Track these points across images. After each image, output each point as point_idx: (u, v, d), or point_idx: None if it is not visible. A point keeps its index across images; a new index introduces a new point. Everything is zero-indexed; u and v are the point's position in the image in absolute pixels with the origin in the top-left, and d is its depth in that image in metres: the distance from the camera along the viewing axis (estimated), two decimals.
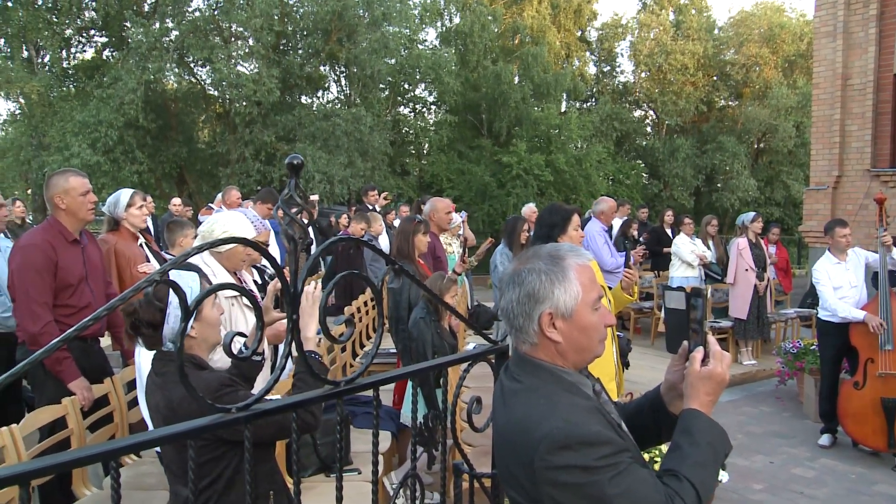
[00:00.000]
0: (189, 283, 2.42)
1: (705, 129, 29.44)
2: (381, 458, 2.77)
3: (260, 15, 18.51)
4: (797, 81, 28.46)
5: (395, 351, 5.61)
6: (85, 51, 22.50)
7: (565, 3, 29.30)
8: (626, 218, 11.19)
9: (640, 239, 11.35)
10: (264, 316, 2.49)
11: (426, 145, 26.09)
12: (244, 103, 19.17)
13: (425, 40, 25.39)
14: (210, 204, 10.87)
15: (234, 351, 1.59)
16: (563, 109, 28.41)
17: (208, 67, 19.93)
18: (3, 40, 19.39)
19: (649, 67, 29.02)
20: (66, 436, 3.63)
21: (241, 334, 1.61)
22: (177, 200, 11.76)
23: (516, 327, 1.70)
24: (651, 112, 31.18)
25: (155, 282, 1.37)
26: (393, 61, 22.27)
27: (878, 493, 5.54)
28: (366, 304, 8.10)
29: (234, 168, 20.00)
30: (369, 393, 1.91)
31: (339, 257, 9.31)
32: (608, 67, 31.64)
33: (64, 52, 21.09)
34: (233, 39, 20.30)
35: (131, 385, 4.24)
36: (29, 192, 21.03)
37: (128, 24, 19.60)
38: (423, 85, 25.36)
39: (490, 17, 25.51)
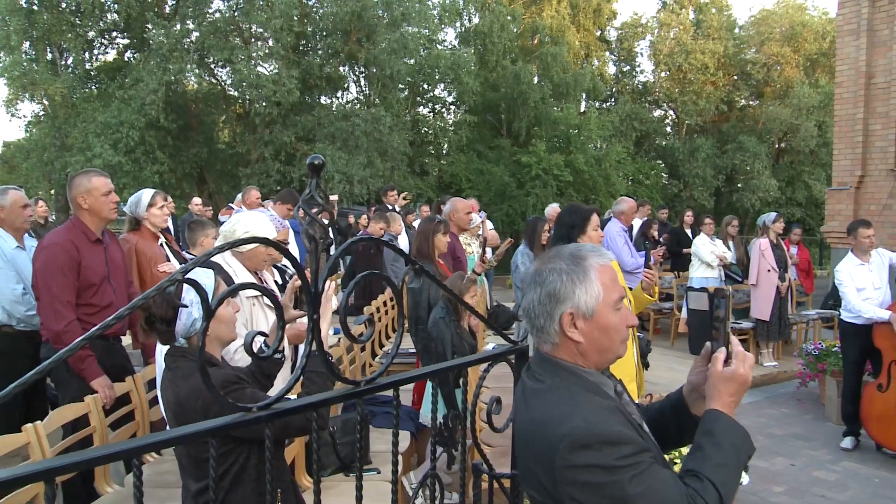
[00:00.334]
0: (204, 280, 2.44)
1: (726, 129, 29.27)
2: (400, 457, 2.77)
3: (280, 16, 18.60)
4: (819, 80, 28.23)
5: (414, 351, 5.62)
6: (107, 52, 22.77)
7: (584, 3, 29.24)
8: (646, 218, 11.13)
9: (661, 239, 11.30)
10: (285, 313, 2.51)
11: (445, 145, 26.11)
12: (264, 104, 19.27)
13: (444, 40, 25.45)
14: (230, 204, 10.94)
15: (255, 349, 1.59)
16: (582, 109, 28.34)
17: (228, 68, 20.08)
18: (28, 43, 19.60)
19: (669, 67, 28.89)
20: (88, 433, 3.66)
21: (262, 333, 1.62)
22: (197, 200, 11.82)
23: (538, 327, 1.70)
24: (671, 112, 31.03)
25: (177, 281, 1.38)
26: (412, 61, 22.31)
27: None
28: (385, 303, 8.11)
29: (254, 168, 20.11)
30: (389, 393, 1.92)
31: (359, 257, 9.33)
32: (628, 67, 31.54)
33: (87, 54, 21.33)
34: (253, 40, 20.42)
35: (152, 383, 4.27)
36: (52, 192, 21.25)
37: (149, 26, 19.77)
38: (442, 85, 25.39)
39: (509, 17, 25.51)
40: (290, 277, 4.06)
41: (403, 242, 9.28)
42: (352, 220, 11.96)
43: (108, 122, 18.14)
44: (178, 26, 19.63)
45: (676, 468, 1.69)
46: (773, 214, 9.35)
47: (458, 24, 26.97)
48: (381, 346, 7.67)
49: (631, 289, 4.22)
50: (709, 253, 9.69)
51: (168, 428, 2.68)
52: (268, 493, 1.65)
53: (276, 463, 2.49)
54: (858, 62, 11.47)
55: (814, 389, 7.91)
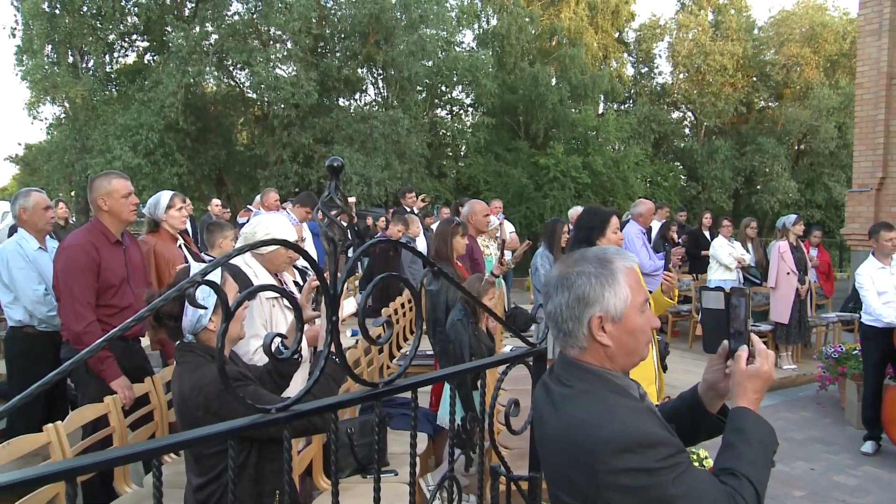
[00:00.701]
0: (210, 277, 2.45)
1: (744, 131, 29.10)
2: (417, 459, 2.77)
3: (298, 18, 18.67)
4: (839, 81, 27.99)
5: (432, 353, 5.62)
6: (127, 55, 22.96)
7: (603, 5, 29.16)
8: (664, 220, 11.09)
9: (679, 241, 11.25)
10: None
11: (463, 147, 26.10)
12: (282, 106, 19.36)
13: (462, 42, 25.46)
14: (248, 206, 10.99)
15: (273, 350, 1.59)
16: (600, 111, 28.26)
17: (247, 70, 20.18)
18: (50, 47, 19.80)
19: (688, 68, 28.76)
20: (107, 433, 3.68)
21: (282, 335, 1.62)
22: (216, 202, 11.89)
23: (565, 331, 1.69)
24: (689, 113, 30.89)
25: (196, 283, 1.39)
26: (430, 63, 22.31)
27: None
28: (403, 305, 8.11)
29: (273, 170, 20.19)
30: (406, 395, 1.92)
31: (376, 259, 9.34)
32: (646, 69, 31.42)
33: (107, 57, 21.51)
34: (271, 43, 20.50)
35: (171, 384, 4.30)
36: (72, 193, 21.44)
37: (169, 29, 19.91)
38: (460, 87, 25.37)
39: (527, 19, 25.47)
40: (309, 278, 4.08)
41: (421, 244, 9.29)
42: (370, 221, 11.98)
43: (128, 125, 18.28)
44: (198, 29, 19.74)
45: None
46: (793, 217, 9.28)
47: (475, 26, 26.96)
48: (399, 347, 7.67)
49: (650, 291, 4.21)
50: (727, 255, 9.64)
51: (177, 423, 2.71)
52: (286, 494, 1.65)
53: (275, 463, 2.51)
54: (880, 63, 11.37)
55: (834, 393, 7.85)
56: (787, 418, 7.42)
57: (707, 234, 11.53)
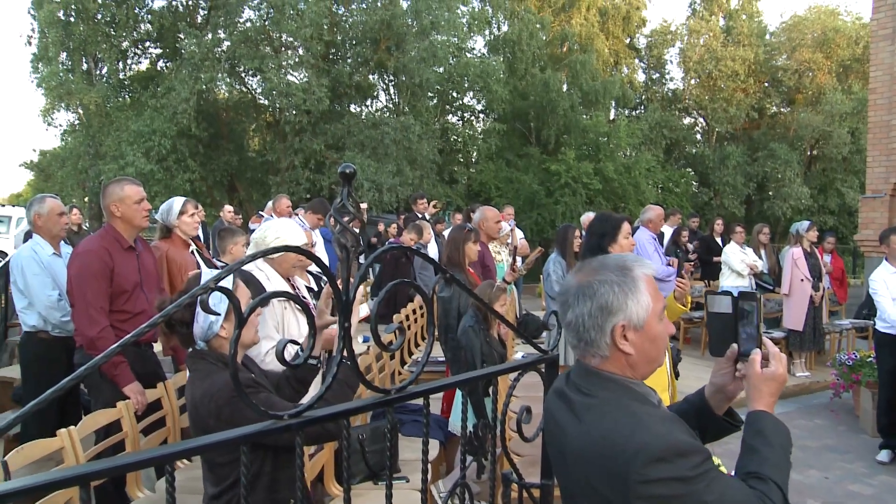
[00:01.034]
0: (225, 283, 2.45)
1: (756, 137, 29.01)
2: (429, 466, 2.77)
3: (310, 25, 18.75)
4: (852, 86, 27.88)
5: (443, 359, 5.61)
6: (140, 62, 23.13)
7: (614, 11, 29.16)
8: (676, 226, 11.07)
9: (692, 247, 11.22)
10: (318, 319, 2.52)
11: (474, 153, 26.14)
12: (294, 112, 19.43)
13: (473, 49, 25.49)
14: (260, 212, 11.02)
15: (288, 357, 1.60)
16: (611, 117, 28.24)
17: (259, 77, 20.28)
18: (65, 54, 19.96)
19: (699, 74, 28.70)
20: (120, 439, 3.69)
21: (294, 342, 1.63)
22: (229, 208, 11.94)
23: (586, 340, 1.68)
24: (701, 119, 30.81)
25: (209, 289, 1.39)
26: (441, 70, 22.36)
27: None
28: (414, 312, 8.11)
29: (284, 176, 20.26)
30: (418, 401, 1.92)
31: (386, 266, 9.34)
32: (657, 74, 31.38)
33: (120, 64, 21.69)
34: (283, 49, 20.60)
35: (183, 390, 4.30)
36: (86, 199, 21.57)
37: (181, 36, 20.05)
38: (471, 93, 25.41)
39: (538, 25, 25.48)
40: (325, 284, 4.09)
41: (433, 251, 9.29)
42: (381, 227, 12.00)
43: (141, 131, 18.40)
44: (210, 36, 19.86)
45: None
46: (807, 223, 9.24)
47: (487, 32, 27.00)
48: (410, 354, 7.67)
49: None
50: (739, 261, 9.60)
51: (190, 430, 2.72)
52: (300, 502, 1.65)
53: (289, 471, 2.50)
54: (893, 67, 11.31)
55: (848, 400, 7.79)
56: (801, 426, 7.37)
57: (719, 240, 11.50)
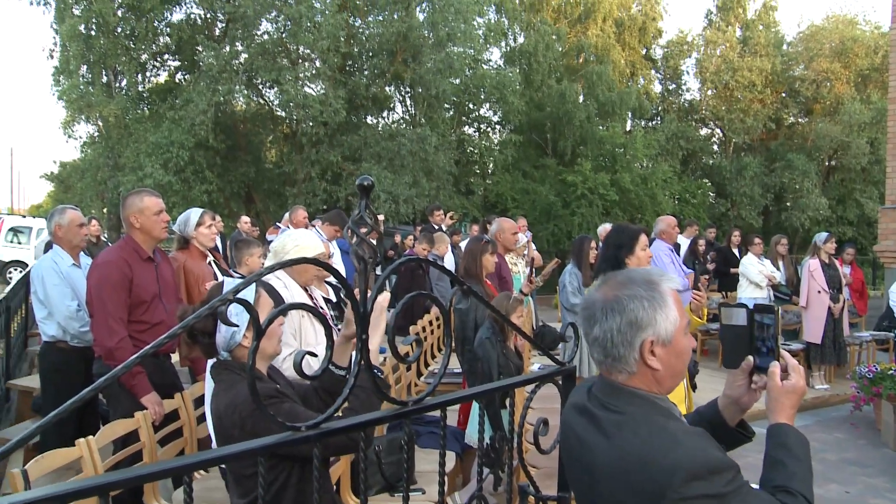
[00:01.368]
0: (245, 294, 2.45)
1: (774, 147, 28.87)
2: (445, 478, 2.76)
3: (327, 37, 18.87)
4: (871, 96, 27.71)
5: (460, 371, 5.61)
6: (159, 74, 23.36)
7: (630, 22, 29.16)
8: (692, 237, 11.02)
9: (709, 258, 11.16)
10: (346, 329, 2.52)
11: (491, 165, 26.17)
12: (311, 124, 19.54)
13: (490, 60, 25.58)
14: (277, 223, 11.06)
15: (304, 369, 1.60)
16: (628, 128, 28.21)
17: (276, 89, 20.41)
18: (85, 67, 20.19)
19: (715, 85, 28.61)
20: (137, 449, 3.71)
21: (312, 353, 1.63)
22: (245, 218, 11.99)
23: (614, 356, 1.67)
24: (718, 130, 30.71)
25: (228, 301, 1.40)
26: (457, 81, 22.43)
27: None
28: (431, 323, 8.11)
29: (301, 188, 20.35)
30: (435, 413, 1.91)
31: (401, 277, 9.34)
32: (673, 85, 31.31)
33: (140, 77, 21.91)
34: (300, 61, 20.74)
35: (200, 400, 4.32)
36: (105, 210, 21.76)
37: (200, 49, 20.25)
38: (487, 104, 25.47)
39: (554, 37, 25.53)
40: (343, 294, 4.10)
41: (449, 262, 9.28)
42: (398, 239, 12.02)
43: (159, 143, 18.56)
44: (228, 48, 20.03)
45: None
46: (824, 234, 9.18)
47: (503, 43, 27.07)
48: (427, 365, 7.66)
49: None
50: (757, 273, 9.55)
51: (213, 442, 2.71)
52: None
53: (320, 482, 2.50)
54: None
55: (868, 414, 7.70)
56: (821, 439, 7.29)
57: (736, 251, 11.44)
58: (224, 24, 21.23)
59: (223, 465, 2.96)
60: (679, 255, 9.76)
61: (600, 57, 26.88)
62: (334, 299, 4.12)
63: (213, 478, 4.19)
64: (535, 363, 7.39)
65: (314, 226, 8.49)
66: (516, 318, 4.72)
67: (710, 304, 10.75)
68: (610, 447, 1.62)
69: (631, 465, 1.56)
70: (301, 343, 3.54)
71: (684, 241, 10.71)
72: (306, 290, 3.75)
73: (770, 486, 1.66)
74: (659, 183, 24.40)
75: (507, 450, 2.30)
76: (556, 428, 1.97)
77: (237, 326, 2.41)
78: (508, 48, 27.22)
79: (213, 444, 2.70)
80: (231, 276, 5.41)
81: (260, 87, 21.69)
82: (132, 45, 20.75)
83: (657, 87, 31.64)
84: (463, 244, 9.26)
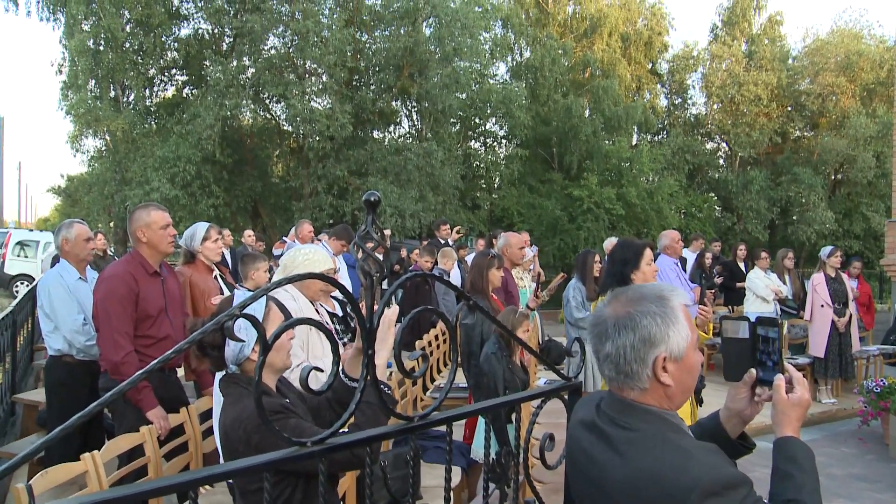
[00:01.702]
0: (255, 307, 2.46)
1: (780, 161, 28.85)
2: (451, 493, 2.75)
3: (333, 52, 18.96)
4: (877, 110, 27.67)
5: (466, 385, 5.59)
6: (166, 89, 23.49)
7: (636, 36, 29.23)
8: (699, 251, 11.00)
9: (715, 271, 11.14)
10: (359, 340, 2.51)
11: (497, 179, 26.20)
12: (317, 138, 19.60)
13: (496, 75, 25.63)
14: (284, 237, 11.08)
15: (311, 383, 1.60)
16: (634, 142, 28.22)
17: (283, 103, 20.51)
18: (93, 81, 20.31)
19: (721, 99, 28.63)
20: (143, 463, 3.70)
21: (318, 368, 1.63)
22: (249, 232, 12.02)
23: (626, 373, 1.66)
24: (723, 144, 30.70)
25: (235, 316, 1.40)
26: (464, 96, 22.49)
27: None
28: (437, 337, 8.10)
29: (307, 202, 20.40)
30: (441, 428, 1.91)
31: (407, 292, 9.34)
32: (679, 99, 31.33)
33: (147, 91, 22.03)
34: (307, 76, 20.82)
35: (206, 415, 4.32)
36: (111, 224, 21.83)
37: (207, 63, 20.38)
38: (493, 119, 25.53)
39: (560, 51, 25.59)
40: (349, 309, 4.11)
41: (455, 277, 9.28)
42: (404, 253, 12.03)
43: (166, 157, 18.64)
44: (235, 63, 20.15)
45: None
46: (829, 248, 9.17)
47: (509, 58, 27.17)
48: (433, 380, 7.65)
49: None
50: (763, 287, 9.53)
51: (220, 456, 2.71)
52: None
53: (327, 497, 2.49)
54: None
55: (876, 428, 7.65)
56: (828, 454, 7.24)
57: (742, 265, 11.42)
58: (231, 39, 21.36)
59: (230, 480, 2.95)
60: (685, 269, 9.75)
61: (606, 71, 26.94)
62: (340, 314, 4.12)
63: (220, 492, 4.19)
64: (542, 378, 7.38)
65: (320, 240, 8.51)
66: (522, 332, 4.71)
67: (716, 319, 10.71)
68: (622, 464, 1.61)
69: (645, 483, 1.56)
70: (308, 355, 3.55)
71: (690, 256, 10.70)
72: (313, 304, 3.77)
73: (780, 499, 1.66)
74: (665, 197, 24.38)
75: (513, 465, 2.30)
76: (563, 443, 1.96)
77: (244, 342, 2.41)
78: (514, 63, 27.31)
79: (221, 459, 2.70)
80: (237, 291, 5.43)
81: (267, 101, 21.79)
82: (140, 60, 20.90)
83: (663, 102, 31.66)
84: (469, 258, 9.26)
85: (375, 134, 23.39)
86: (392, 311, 2.46)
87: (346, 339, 4.05)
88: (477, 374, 4.91)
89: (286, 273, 3.68)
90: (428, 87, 20.74)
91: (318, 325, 1.59)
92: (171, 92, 23.56)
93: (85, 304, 4.80)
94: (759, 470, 1.66)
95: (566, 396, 2.29)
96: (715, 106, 29.58)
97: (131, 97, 21.23)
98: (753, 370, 1.86)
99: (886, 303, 17.84)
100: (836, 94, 28.16)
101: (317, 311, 3.80)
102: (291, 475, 2.36)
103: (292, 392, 2.69)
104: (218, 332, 2.40)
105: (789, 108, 29.40)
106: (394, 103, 23.50)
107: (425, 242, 11.84)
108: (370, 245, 1.60)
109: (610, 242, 10.14)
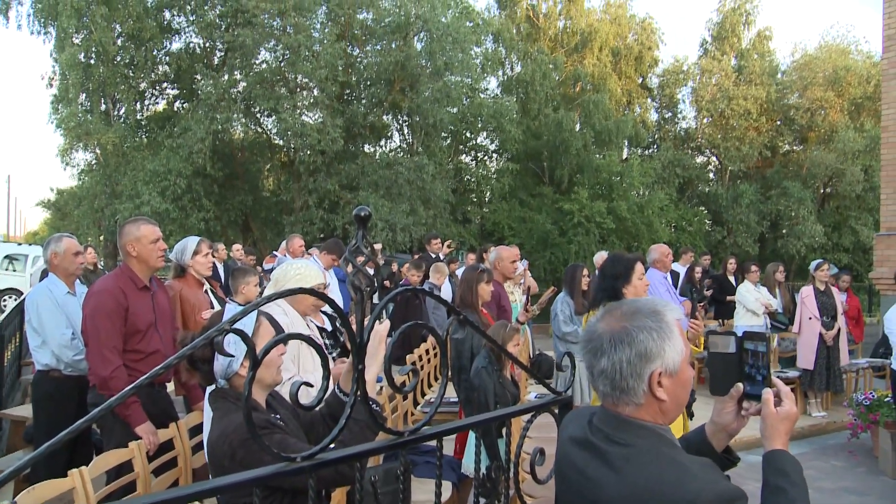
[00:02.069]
0: (245, 321, 2.45)
1: (769, 175, 28.99)
2: None
3: (325, 66, 18.99)
4: (864, 124, 27.86)
5: (456, 400, 5.59)
6: (157, 103, 23.47)
7: (626, 51, 29.36)
8: (689, 265, 11.03)
9: (705, 284, 11.17)
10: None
11: (488, 193, 26.21)
12: (308, 152, 19.60)
13: (487, 89, 25.72)
14: (274, 252, 11.06)
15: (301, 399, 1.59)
16: (624, 156, 28.30)
17: (274, 117, 20.50)
18: (84, 95, 20.27)
19: (711, 113, 28.77)
20: (131, 479, 3.68)
21: (308, 384, 1.62)
22: (237, 246, 11.99)
23: (622, 388, 1.66)
24: (713, 158, 30.83)
25: (225, 331, 1.40)
26: (455, 110, 22.54)
27: None
28: (427, 352, 8.09)
29: (298, 216, 20.38)
30: (432, 443, 1.90)
31: (397, 306, 9.33)
32: (669, 114, 31.47)
33: (138, 105, 22.03)
34: (298, 90, 20.83)
35: (195, 430, 4.30)
36: (101, 238, 21.75)
37: (198, 77, 20.37)
38: (484, 133, 25.56)
39: (551, 66, 25.67)
40: (338, 324, 4.11)
41: (446, 291, 9.28)
42: (395, 267, 12.03)
43: (157, 170, 18.59)
44: (226, 77, 20.15)
45: None
46: (816, 262, 9.23)
47: (500, 72, 27.25)
48: (423, 394, 7.63)
49: None
50: (754, 300, 9.56)
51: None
52: None
53: None
54: None
55: (866, 441, 7.67)
56: (818, 467, 7.25)
57: (732, 279, 11.46)
58: (223, 54, 21.37)
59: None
60: (677, 282, 9.77)
61: (597, 86, 27.03)
62: (329, 328, 4.12)
63: None
64: (532, 392, 7.37)
65: (311, 254, 8.50)
66: (512, 347, 4.71)
67: (706, 332, 10.72)
68: (619, 481, 1.60)
69: (644, 499, 1.56)
70: (300, 369, 3.55)
71: (681, 269, 10.73)
72: (304, 318, 3.77)
73: None
74: (655, 211, 24.44)
75: (504, 479, 2.29)
76: (553, 457, 1.96)
77: (233, 357, 2.41)
78: (505, 77, 27.39)
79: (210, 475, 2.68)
80: (228, 305, 5.42)
81: (258, 115, 21.79)
82: (131, 74, 20.89)
83: (653, 116, 31.79)
84: (459, 272, 9.27)
85: (366, 148, 23.40)
86: (383, 327, 2.46)
87: (335, 354, 4.04)
88: (467, 388, 4.91)
89: (277, 288, 3.68)
90: (419, 102, 20.77)
91: (309, 340, 1.58)
92: (162, 106, 23.55)
93: (73, 319, 4.77)
94: (751, 483, 1.66)
95: (556, 411, 2.29)
96: (705, 120, 29.73)
97: (122, 111, 21.20)
98: (740, 384, 1.86)
99: (875, 316, 17.91)
100: (825, 109, 28.34)
101: (308, 325, 3.80)
102: (279, 491, 2.34)
103: (284, 408, 2.68)
104: (208, 347, 2.40)
105: (778, 123, 29.56)
106: (385, 117, 23.52)
107: (416, 256, 11.84)
108: (360, 260, 1.60)
109: (600, 256, 10.16)
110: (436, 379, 8.25)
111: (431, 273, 9.25)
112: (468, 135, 25.62)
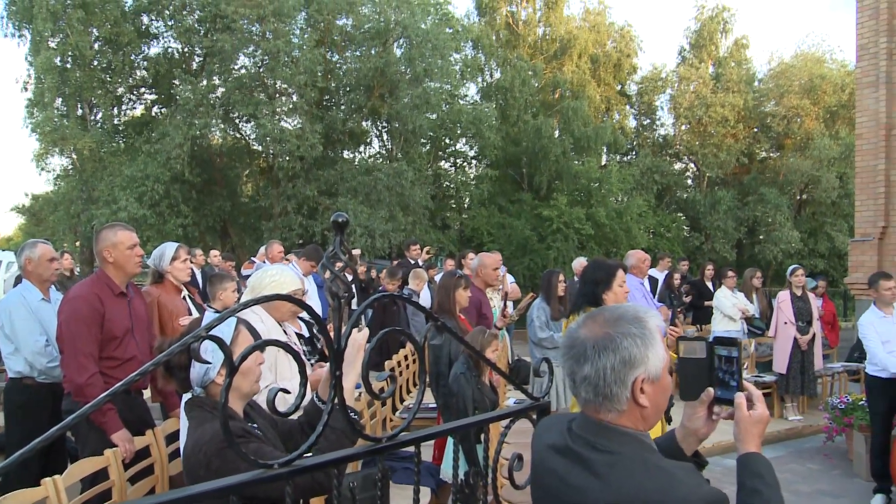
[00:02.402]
0: (223, 329, 2.43)
1: (747, 181, 29.24)
2: None
3: (304, 72, 18.96)
4: (840, 132, 28.21)
5: (435, 406, 5.58)
6: (135, 108, 23.30)
7: (605, 58, 29.53)
8: (667, 271, 11.09)
9: (683, 290, 11.23)
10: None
11: (467, 199, 26.25)
12: (287, 158, 19.54)
13: (466, 95, 25.78)
14: (253, 258, 11.01)
15: (278, 406, 1.59)
16: (603, 163, 28.45)
17: (253, 123, 20.41)
18: (60, 99, 20.07)
19: (689, 120, 28.99)
20: (107, 487, 3.64)
21: (285, 390, 1.62)
22: (214, 252, 11.91)
23: (605, 395, 1.65)
24: (692, 164, 31.06)
25: (201, 338, 1.39)
26: (434, 116, 22.56)
27: None
28: (406, 358, 8.08)
29: (277, 222, 20.30)
30: (410, 449, 1.90)
31: (375, 312, 9.31)
32: (648, 121, 31.68)
33: (115, 110, 21.84)
34: (277, 96, 20.78)
35: (172, 437, 4.27)
36: (77, 244, 21.53)
37: (176, 82, 20.24)
38: (464, 139, 25.62)
39: (530, 73, 25.76)
40: (316, 330, 4.09)
41: (425, 297, 9.28)
42: (374, 274, 12.01)
43: (134, 176, 18.44)
44: (205, 82, 20.04)
45: None
46: (791, 268, 9.33)
47: (479, 79, 27.31)
48: (402, 400, 7.62)
49: None
50: (731, 306, 9.64)
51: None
52: None
53: None
54: (878, 114, 11.47)
55: (841, 444, 7.73)
56: (794, 470, 7.31)
57: (710, 284, 11.53)
58: (201, 59, 21.26)
59: None
60: (655, 288, 9.82)
61: (576, 92, 27.15)
62: (306, 334, 4.10)
63: None
64: (511, 398, 7.37)
65: (289, 260, 8.47)
66: (491, 352, 4.72)
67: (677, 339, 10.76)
68: (603, 488, 1.60)
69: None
70: (276, 376, 3.52)
71: (659, 275, 10.78)
72: (281, 326, 3.74)
73: None
74: (634, 217, 24.58)
75: (482, 485, 2.29)
76: (530, 462, 1.96)
77: (210, 364, 2.38)
78: (485, 83, 27.45)
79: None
80: (205, 311, 5.38)
81: (237, 121, 21.69)
82: (108, 79, 20.73)
83: (632, 123, 31.99)
84: (437, 278, 9.27)
85: (345, 154, 23.38)
86: (362, 335, 2.45)
87: (312, 361, 4.02)
88: (446, 394, 4.90)
89: (254, 294, 3.65)
90: (398, 108, 20.78)
91: (286, 347, 1.58)
92: (139, 111, 23.38)
93: (48, 326, 4.72)
94: (728, 487, 1.67)
95: (534, 416, 2.29)
96: (683, 127, 29.95)
97: (99, 115, 21.01)
98: (711, 389, 1.88)
99: (850, 320, 18.08)
100: (801, 116, 28.65)
101: (284, 331, 3.78)
102: (255, 501, 2.32)
103: (262, 417, 2.66)
104: (184, 353, 2.37)
105: (755, 130, 29.85)
106: (364, 123, 23.51)
107: (395, 262, 11.82)
108: (338, 266, 1.60)
109: (579, 262, 10.20)
110: (414, 385, 8.24)
111: (410, 279, 9.24)
112: (447, 141, 25.66)
